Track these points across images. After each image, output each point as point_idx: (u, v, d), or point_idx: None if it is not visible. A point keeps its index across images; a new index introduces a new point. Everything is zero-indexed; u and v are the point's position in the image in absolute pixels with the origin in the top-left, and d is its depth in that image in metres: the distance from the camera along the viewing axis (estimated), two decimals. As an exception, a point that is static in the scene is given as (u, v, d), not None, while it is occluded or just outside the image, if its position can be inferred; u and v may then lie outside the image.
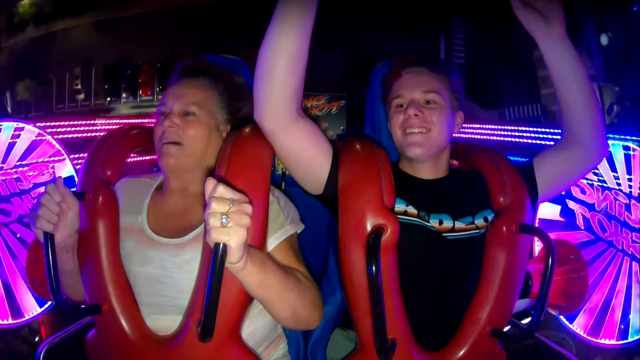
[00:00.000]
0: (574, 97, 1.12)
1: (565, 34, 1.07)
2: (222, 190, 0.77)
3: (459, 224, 1.15)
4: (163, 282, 1.05)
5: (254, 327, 1.08)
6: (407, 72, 1.21)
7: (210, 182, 0.78)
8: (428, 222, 1.14)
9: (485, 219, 1.17)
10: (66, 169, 2.03)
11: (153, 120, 1.18)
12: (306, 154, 1.06)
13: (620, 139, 1.99)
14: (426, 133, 1.15)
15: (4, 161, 1.99)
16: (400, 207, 1.13)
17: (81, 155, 2.04)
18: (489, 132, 2.47)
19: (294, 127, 1.01)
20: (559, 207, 2.04)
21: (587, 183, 1.99)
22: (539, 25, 1.06)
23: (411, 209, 1.14)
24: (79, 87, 3.57)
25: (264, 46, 0.95)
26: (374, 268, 0.87)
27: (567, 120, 1.16)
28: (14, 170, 1.99)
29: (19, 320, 1.98)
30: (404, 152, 1.19)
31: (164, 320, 1.05)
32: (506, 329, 1.17)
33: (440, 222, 1.14)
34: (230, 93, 1.19)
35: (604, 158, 1.29)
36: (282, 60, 0.93)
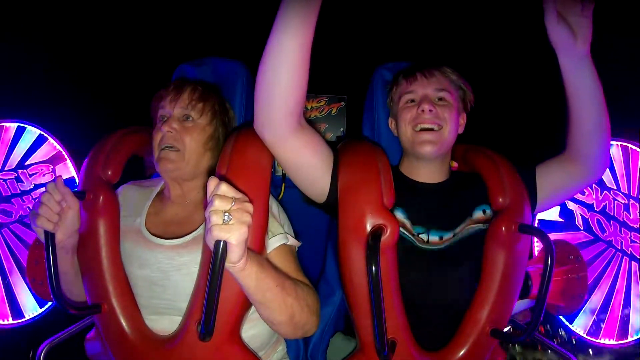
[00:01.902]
0: (586, 117, 1.10)
1: (589, 53, 1.03)
2: (225, 189, 0.77)
3: (458, 229, 1.16)
4: (160, 284, 1.05)
5: (255, 332, 1.09)
6: (419, 72, 1.22)
7: (213, 181, 0.78)
8: (426, 241, 1.14)
9: (484, 212, 1.16)
10: (67, 170, 2.03)
11: None
12: (306, 163, 1.06)
13: (618, 140, 2.00)
14: (438, 131, 1.15)
15: (5, 161, 1.99)
16: (399, 216, 1.13)
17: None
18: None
19: (294, 139, 1.00)
20: (558, 207, 2.04)
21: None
22: (566, 41, 1.01)
23: (408, 224, 1.14)
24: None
25: (265, 58, 0.92)
26: (373, 268, 0.87)
27: (574, 137, 1.14)
28: (15, 170, 1.99)
29: (19, 320, 1.98)
30: (414, 150, 1.17)
31: (162, 321, 1.06)
32: (506, 329, 1.17)
33: (441, 238, 1.14)
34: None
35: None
36: (283, 73, 0.91)
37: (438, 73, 1.21)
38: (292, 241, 1.11)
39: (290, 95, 0.93)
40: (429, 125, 1.15)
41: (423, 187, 1.21)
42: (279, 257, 1.06)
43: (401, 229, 1.12)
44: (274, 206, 1.13)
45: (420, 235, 1.14)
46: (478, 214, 1.17)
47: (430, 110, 1.15)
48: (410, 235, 1.13)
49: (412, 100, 1.20)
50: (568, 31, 1.01)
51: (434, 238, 1.14)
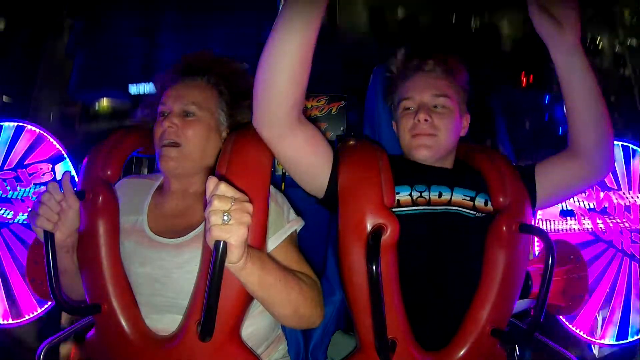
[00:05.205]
0: (582, 110, 1.09)
1: (579, 44, 1.02)
2: (224, 189, 0.77)
3: (456, 196, 1.14)
4: (162, 282, 1.05)
5: (255, 328, 1.09)
6: (416, 72, 1.20)
7: (212, 181, 0.78)
8: (427, 200, 1.13)
9: (486, 202, 1.16)
10: (66, 169, 2.03)
11: None
12: (305, 160, 1.06)
13: (619, 140, 1.99)
14: (434, 136, 1.15)
15: (4, 161, 1.99)
16: (404, 195, 1.12)
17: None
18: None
19: (293, 136, 1.00)
20: (559, 207, 2.04)
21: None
22: (553, 32, 1.01)
23: (416, 194, 1.12)
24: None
25: (266, 53, 0.90)
26: (374, 268, 0.87)
27: (574, 131, 1.13)
28: (14, 170, 1.99)
29: (19, 320, 1.98)
30: (411, 154, 1.19)
31: (164, 320, 1.05)
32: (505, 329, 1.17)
33: (440, 195, 1.14)
34: (231, 93, 1.18)
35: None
36: (284, 70, 0.89)
37: (436, 73, 1.19)
38: (294, 225, 1.10)
39: (289, 94, 0.93)
40: (425, 134, 1.15)
41: (426, 166, 1.20)
42: (281, 253, 1.06)
43: (411, 208, 1.11)
44: (278, 197, 1.13)
45: (422, 194, 1.13)
46: (480, 202, 1.16)
47: (426, 120, 1.14)
48: (415, 207, 1.12)
49: (409, 108, 1.19)
50: (554, 23, 1.00)
51: (434, 195, 1.14)
